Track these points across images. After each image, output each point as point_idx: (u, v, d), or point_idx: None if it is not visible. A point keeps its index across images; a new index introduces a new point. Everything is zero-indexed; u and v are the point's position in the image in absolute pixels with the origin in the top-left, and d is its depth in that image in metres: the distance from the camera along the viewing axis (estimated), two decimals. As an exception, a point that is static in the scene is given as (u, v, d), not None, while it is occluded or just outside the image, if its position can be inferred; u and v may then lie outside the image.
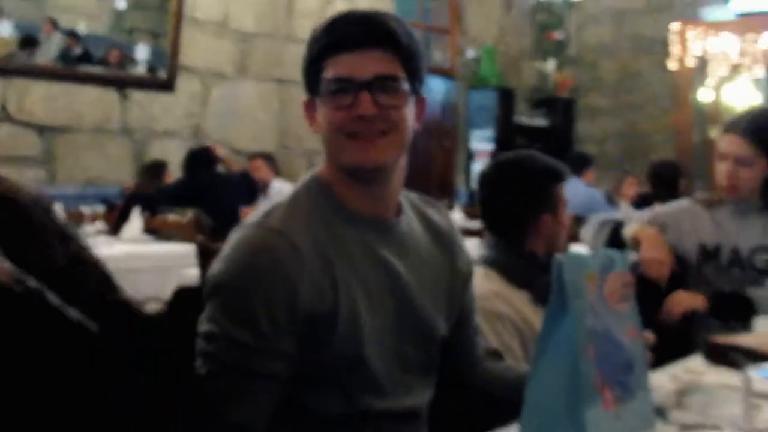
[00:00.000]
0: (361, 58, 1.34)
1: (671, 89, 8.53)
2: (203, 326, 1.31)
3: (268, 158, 6.32)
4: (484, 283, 1.85)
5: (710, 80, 8.37)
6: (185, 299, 1.51)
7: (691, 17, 8.49)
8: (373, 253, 1.40)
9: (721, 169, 2.40)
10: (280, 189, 6.23)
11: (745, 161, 2.35)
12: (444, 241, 1.54)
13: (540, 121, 9.12)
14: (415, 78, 1.38)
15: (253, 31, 6.78)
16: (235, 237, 1.35)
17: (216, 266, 1.32)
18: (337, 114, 1.35)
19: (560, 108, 9.26)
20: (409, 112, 1.38)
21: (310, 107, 1.43)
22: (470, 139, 8.63)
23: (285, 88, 6.96)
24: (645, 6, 8.98)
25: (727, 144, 2.39)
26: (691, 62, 8.17)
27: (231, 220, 5.33)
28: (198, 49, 6.42)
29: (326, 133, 1.38)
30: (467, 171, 8.63)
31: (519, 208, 1.94)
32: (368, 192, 1.40)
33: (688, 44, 8.13)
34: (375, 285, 1.39)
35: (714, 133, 8.40)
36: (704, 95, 8.52)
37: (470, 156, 8.62)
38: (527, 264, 1.92)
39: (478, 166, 8.47)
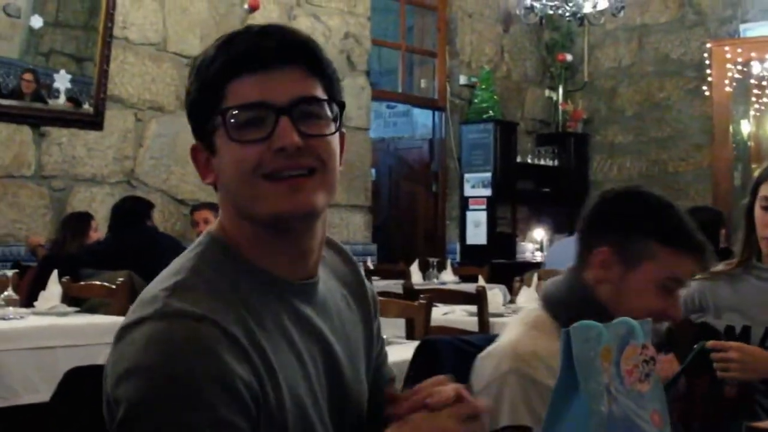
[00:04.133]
0: (274, 78, 1.29)
1: (706, 121, 8.63)
2: None
3: (216, 209, 6.32)
4: (526, 339, 1.80)
5: (753, 110, 8.49)
6: (77, 382, 1.50)
7: (728, 35, 8.64)
8: (304, 323, 1.36)
9: (766, 220, 2.44)
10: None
11: None
12: (352, 287, 1.52)
13: (548, 161, 9.20)
14: (337, 103, 1.34)
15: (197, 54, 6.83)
16: (139, 335, 1.22)
17: (127, 385, 1.21)
18: (249, 150, 1.28)
19: (571, 145, 9.35)
20: (336, 145, 1.34)
21: (199, 154, 1.37)
22: (464, 183, 8.69)
23: (237, 124, 7.00)
24: (672, 21, 9.13)
25: None
26: (729, 88, 8.27)
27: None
28: (131, 76, 6.47)
29: (232, 178, 1.31)
30: (461, 222, 8.67)
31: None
32: (289, 248, 1.34)
33: (726, 67, 8.25)
34: (311, 363, 1.36)
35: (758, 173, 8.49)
36: (745, 128, 8.62)
37: (464, 204, 8.67)
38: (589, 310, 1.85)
39: (474, 216, 8.51)
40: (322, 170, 1.31)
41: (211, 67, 1.31)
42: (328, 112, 1.32)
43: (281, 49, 1.30)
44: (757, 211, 2.48)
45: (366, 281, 1.57)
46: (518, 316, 1.91)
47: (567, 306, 1.81)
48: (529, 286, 5.42)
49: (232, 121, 1.29)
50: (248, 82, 1.29)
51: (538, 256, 8.72)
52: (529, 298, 4.87)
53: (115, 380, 1.23)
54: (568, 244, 6.69)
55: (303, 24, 7.39)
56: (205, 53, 1.34)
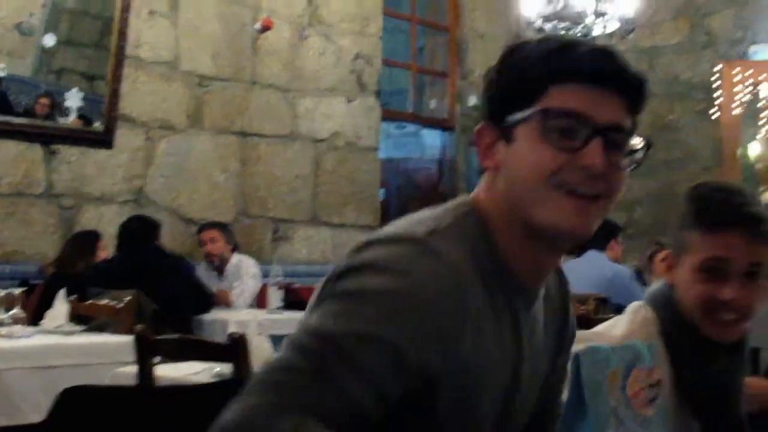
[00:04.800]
0: (601, 97, 1.32)
1: (715, 143, 8.60)
2: (328, 321, 1.23)
3: (224, 229, 6.33)
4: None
5: (762, 132, 8.46)
6: (73, 402, 1.49)
7: (738, 56, 8.62)
8: (515, 329, 1.38)
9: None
10: (239, 264, 6.22)
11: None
12: (556, 314, 1.52)
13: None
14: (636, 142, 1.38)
15: (210, 73, 6.84)
16: (390, 249, 1.28)
17: (384, 262, 1.26)
18: (554, 155, 1.30)
19: (581, 166, 9.33)
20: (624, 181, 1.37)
21: (486, 136, 1.37)
22: (473, 203, 8.67)
23: (247, 143, 7.01)
24: (682, 43, 9.11)
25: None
26: (738, 110, 8.25)
27: (178, 304, 5.34)
28: (142, 95, 6.48)
29: (524, 175, 1.32)
30: (469, 242, 8.66)
31: None
32: (542, 259, 1.38)
33: (736, 89, 8.23)
34: (501, 370, 1.37)
35: (768, 196, 8.47)
36: (755, 150, 8.60)
37: (473, 224, 8.66)
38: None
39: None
40: (607, 199, 1.33)
41: (540, 65, 1.32)
42: (627, 147, 1.35)
43: (619, 74, 1.32)
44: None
45: (571, 311, 1.57)
46: (626, 314, 1.91)
47: (663, 306, 1.88)
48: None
49: (549, 122, 1.30)
50: (575, 91, 1.31)
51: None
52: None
53: (335, 274, 1.29)
54: (578, 265, 6.64)
55: (314, 44, 7.39)
56: (533, 50, 1.35)
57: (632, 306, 1.96)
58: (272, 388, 1.18)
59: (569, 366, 1.21)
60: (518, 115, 1.33)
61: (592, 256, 6.15)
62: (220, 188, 6.89)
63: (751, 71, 8.21)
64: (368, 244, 1.32)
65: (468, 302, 1.29)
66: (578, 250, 6.40)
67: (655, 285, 1.99)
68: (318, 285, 1.35)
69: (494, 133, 1.37)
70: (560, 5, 7.17)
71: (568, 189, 1.30)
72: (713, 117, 8.44)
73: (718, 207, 1.87)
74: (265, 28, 6.93)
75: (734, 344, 1.93)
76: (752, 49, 8.58)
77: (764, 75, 8.19)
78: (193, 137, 6.77)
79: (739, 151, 8.39)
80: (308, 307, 1.34)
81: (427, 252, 1.28)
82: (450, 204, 1.41)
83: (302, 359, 1.21)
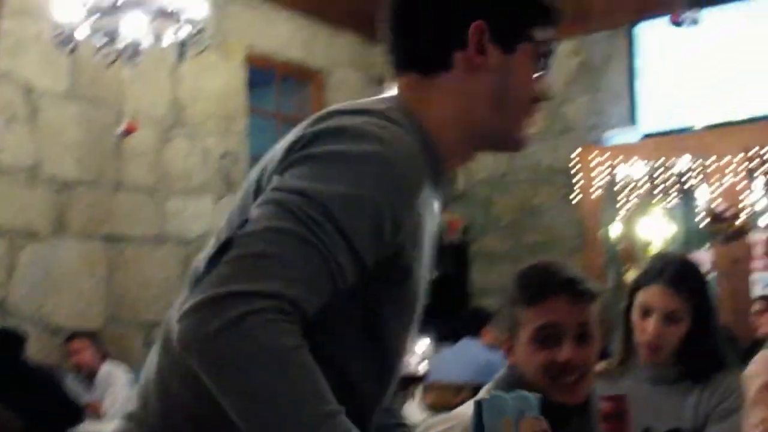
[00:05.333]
0: None
1: (578, 226, 8.82)
2: (305, 182, 1.31)
3: (93, 337, 6.19)
4: None
5: (621, 214, 8.72)
6: None
7: (595, 141, 8.91)
8: (432, 211, 1.55)
9: (644, 326, 2.48)
10: (110, 374, 6.05)
11: (674, 317, 2.46)
12: None
13: (428, 271, 9.23)
14: None
15: (74, 178, 6.72)
16: (367, 126, 1.37)
17: (369, 140, 1.35)
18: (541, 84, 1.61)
19: (451, 254, 9.43)
20: None
21: (482, 35, 1.50)
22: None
23: (114, 247, 6.87)
24: (542, 130, 9.37)
25: (654, 297, 2.48)
26: (598, 193, 8.50)
27: (47, 419, 5.13)
28: (3, 202, 6.31)
29: (511, 88, 1.57)
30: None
31: None
32: (468, 158, 1.73)
33: (594, 173, 8.48)
34: (427, 247, 1.54)
35: (630, 275, 8.69)
36: (616, 231, 8.85)
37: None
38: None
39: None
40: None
41: None
42: None
43: None
44: (635, 316, 2.53)
45: None
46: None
47: (509, 386, 1.93)
48: (413, 399, 5.38)
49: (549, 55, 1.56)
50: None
51: (422, 368, 8.66)
52: (414, 411, 4.81)
53: (302, 136, 1.40)
54: (452, 355, 6.67)
55: (179, 146, 7.35)
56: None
57: (482, 391, 2.06)
58: (263, 254, 1.25)
59: (472, 413, 1.40)
60: (526, 33, 1.53)
61: (466, 343, 6.21)
62: (87, 295, 6.72)
63: (607, 155, 8.49)
64: (330, 115, 1.41)
65: (424, 172, 1.42)
66: (453, 339, 6.45)
67: (500, 372, 2.11)
68: (279, 148, 1.44)
69: (491, 37, 1.50)
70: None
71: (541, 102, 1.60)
72: (575, 200, 8.67)
73: (539, 278, 2.08)
74: (129, 131, 6.85)
75: (582, 405, 2.03)
76: (607, 134, 8.88)
77: (620, 158, 8.47)
78: (58, 243, 6.61)
79: (601, 233, 8.62)
80: (269, 169, 1.41)
81: (391, 121, 1.40)
82: (390, 97, 1.54)
83: (291, 220, 1.27)
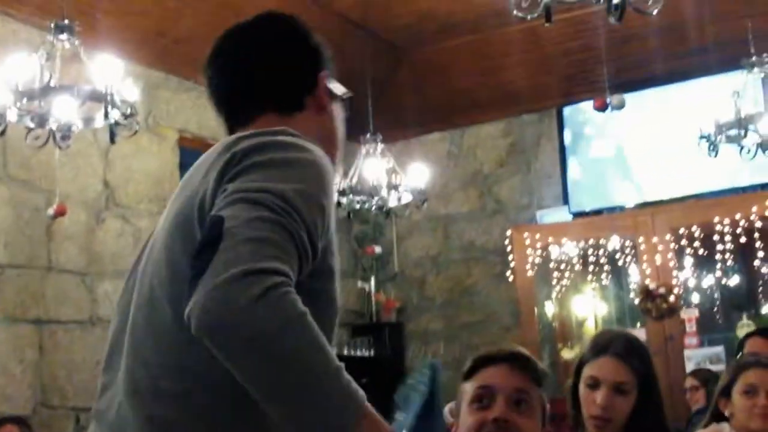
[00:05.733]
0: None
1: (513, 305, 8.86)
2: (264, 183, 1.53)
3: (22, 423, 6.03)
4: None
5: (555, 292, 8.79)
6: None
7: (526, 221, 9.01)
8: None
9: (592, 399, 2.48)
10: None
11: (622, 389, 2.47)
12: None
13: (364, 352, 9.20)
14: None
15: (2, 261, 6.60)
16: (290, 139, 1.66)
17: (283, 142, 1.65)
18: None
19: (387, 334, 9.41)
20: None
21: (326, 87, 1.95)
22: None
23: (44, 331, 6.74)
24: (473, 211, 9.46)
25: (602, 369, 2.50)
26: (531, 272, 8.55)
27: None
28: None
29: (338, 127, 1.99)
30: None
31: None
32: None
33: (527, 251, 8.55)
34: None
35: (566, 353, 8.74)
36: (550, 309, 8.90)
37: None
38: None
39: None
40: None
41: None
42: None
43: None
44: (582, 390, 2.54)
45: None
46: None
47: None
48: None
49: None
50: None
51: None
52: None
53: (239, 150, 1.64)
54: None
55: (112, 226, 7.28)
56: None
57: None
58: (257, 239, 1.45)
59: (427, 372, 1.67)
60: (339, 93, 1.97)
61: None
62: (16, 380, 6.56)
63: (538, 235, 8.57)
64: (249, 136, 1.68)
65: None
66: (388, 419, 6.36)
67: None
68: (207, 166, 1.69)
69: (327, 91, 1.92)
70: (355, 180, 7.35)
71: None
72: (509, 279, 8.71)
73: (485, 353, 2.18)
74: (59, 213, 6.76)
75: None
76: (539, 213, 8.99)
77: (551, 238, 8.56)
78: (-13, 330, 6.46)
79: (536, 311, 8.66)
80: (208, 191, 1.61)
81: (303, 137, 1.69)
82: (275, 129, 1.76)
83: (267, 210, 1.49)
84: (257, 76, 1.88)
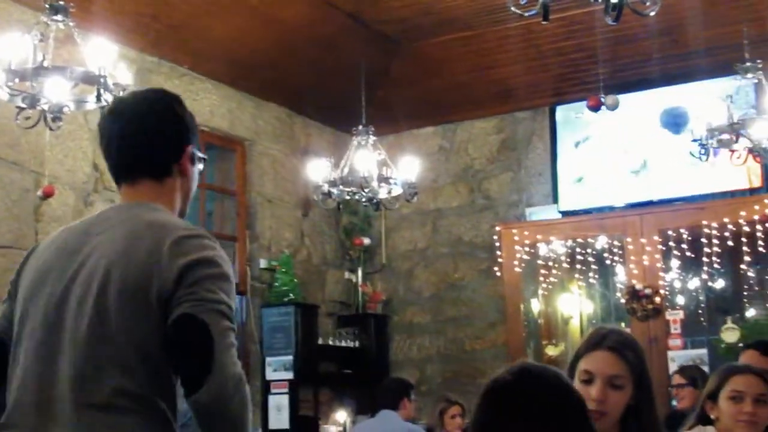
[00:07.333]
0: None
1: (499, 300, 8.86)
2: (221, 296, 2.17)
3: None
4: None
5: (541, 289, 8.79)
6: None
7: (515, 218, 9.01)
8: None
9: (588, 393, 2.47)
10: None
11: (617, 383, 2.47)
12: None
13: (349, 342, 9.19)
14: None
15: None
16: (208, 243, 2.25)
17: (220, 257, 2.24)
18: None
19: (372, 326, 9.40)
20: None
21: (189, 160, 2.52)
22: (266, 367, 8.53)
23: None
24: (463, 206, 9.46)
25: (596, 363, 2.49)
26: (519, 269, 8.55)
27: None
28: None
29: (192, 190, 2.55)
30: (263, 406, 8.47)
31: None
32: None
33: (515, 248, 8.54)
34: None
35: (551, 350, 8.75)
36: (536, 306, 8.91)
37: (266, 387, 8.49)
38: None
39: (276, 400, 8.34)
40: None
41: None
42: None
43: None
44: (577, 385, 2.53)
45: None
46: None
47: None
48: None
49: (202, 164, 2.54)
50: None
51: (343, 438, 8.58)
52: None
53: (193, 260, 2.18)
54: (371, 426, 6.60)
55: (100, 209, 7.21)
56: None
57: None
58: (234, 345, 2.16)
59: None
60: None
61: (384, 415, 6.15)
62: None
63: (527, 232, 8.57)
64: (198, 242, 2.22)
65: None
66: (372, 411, 6.38)
67: None
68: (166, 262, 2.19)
69: (191, 162, 2.46)
70: (345, 171, 7.33)
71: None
72: (496, 275, 8.71)
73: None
74: (47, 194, 6.72)
75: None
76: (528, 210, 8.99)
77: (539, 235, 8.56)
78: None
79: (522, 308, 8.66)
80: (166, 280, 2.16)
81: (215, 240, 2.30)
82: (160, 207, 2.37)
83: (228, 321, 2.16)
84: (137, 147, 2.42)
